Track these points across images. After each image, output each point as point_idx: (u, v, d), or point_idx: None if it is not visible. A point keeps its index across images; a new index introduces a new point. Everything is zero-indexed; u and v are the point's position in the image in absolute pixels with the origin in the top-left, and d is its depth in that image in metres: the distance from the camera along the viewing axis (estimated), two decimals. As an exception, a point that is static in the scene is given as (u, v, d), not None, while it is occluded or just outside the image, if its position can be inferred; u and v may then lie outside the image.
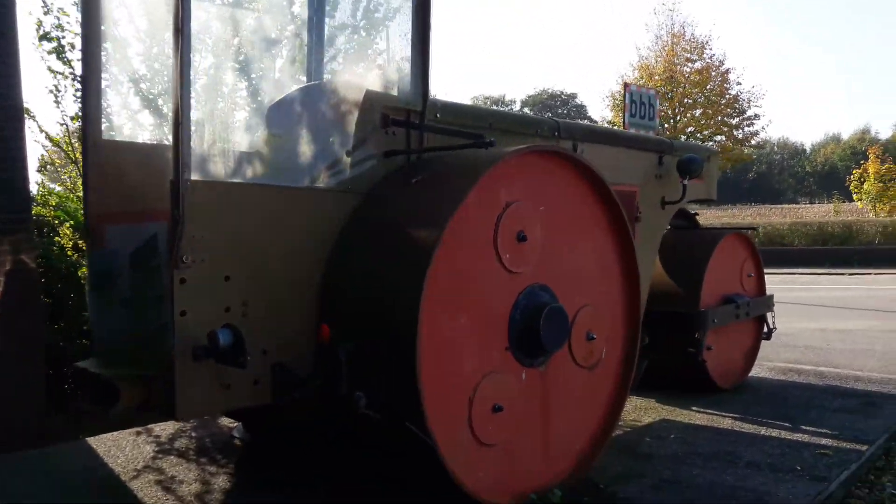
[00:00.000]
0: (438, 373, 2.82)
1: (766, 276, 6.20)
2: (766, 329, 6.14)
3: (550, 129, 4.25)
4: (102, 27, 3.33)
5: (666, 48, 29.54)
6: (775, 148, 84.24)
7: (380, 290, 2.86)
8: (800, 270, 17.19)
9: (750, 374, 6.13)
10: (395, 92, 3.35)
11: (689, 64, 29.23)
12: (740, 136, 29.98)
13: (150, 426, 4.65)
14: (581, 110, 58.36)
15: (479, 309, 3.02)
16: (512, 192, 3.14)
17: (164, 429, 4.63)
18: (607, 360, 3.71)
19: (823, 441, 4.31)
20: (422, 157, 3.37)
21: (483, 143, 3.14)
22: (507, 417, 3.12)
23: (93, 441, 4.42)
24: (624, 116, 5.59)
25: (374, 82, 3.34)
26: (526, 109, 59.96)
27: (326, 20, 3.65)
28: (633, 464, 3.89)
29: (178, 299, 2.63)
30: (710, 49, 29.85)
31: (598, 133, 4.77)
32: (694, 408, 5.09)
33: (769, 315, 6.13)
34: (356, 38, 3.62)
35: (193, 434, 4.54)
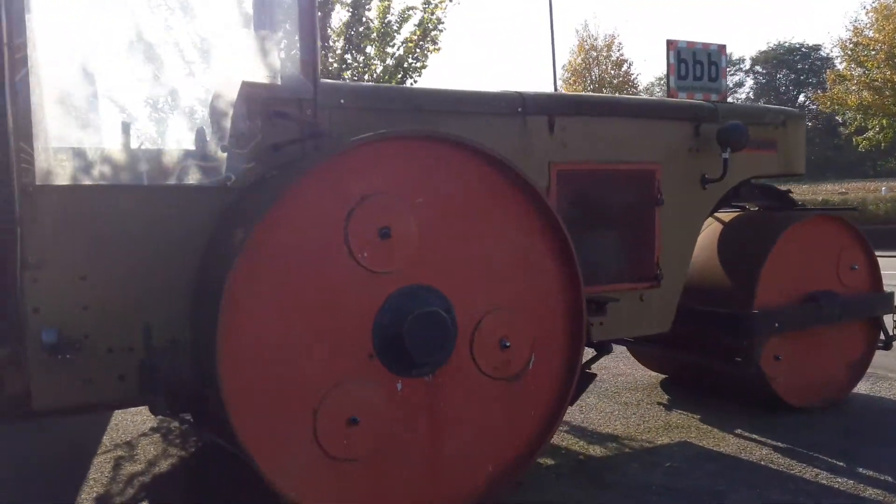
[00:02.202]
0: (259, 380, 2.63)
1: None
2: (882, 336, 4.90)
3: (510, 104, 3.73)
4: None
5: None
6: None
7: (202, 292, 2.75)
8: None
9: (868, 392, 4.97)
10: (278, 81, 3.18)
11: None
12: None
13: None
14: (827, 63, 50.58)
15: (326, 311, 2.76)
16: (370, 184, 2.81)
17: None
18: (539, 370, 3.21)
19: (868, 492, 3.33)
20: (318, 148, 3.17)
21: (312, 135, 2.84)
22: (369, 431, 2.83)
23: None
24: (668, 80, 4.74)
25: (255, 73, 3.20)
26: (757, 67, 53.69)
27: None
28: (579, 493, 3.35)
29: (28, 297, 2.75)
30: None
31: (590, 104, 4.09)
32: (739, 430, 4.23)
33: (890, 318, 4.89)
34: (240, 30, 3.47)
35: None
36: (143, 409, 4.81)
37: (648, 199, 4.17)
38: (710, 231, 4.90)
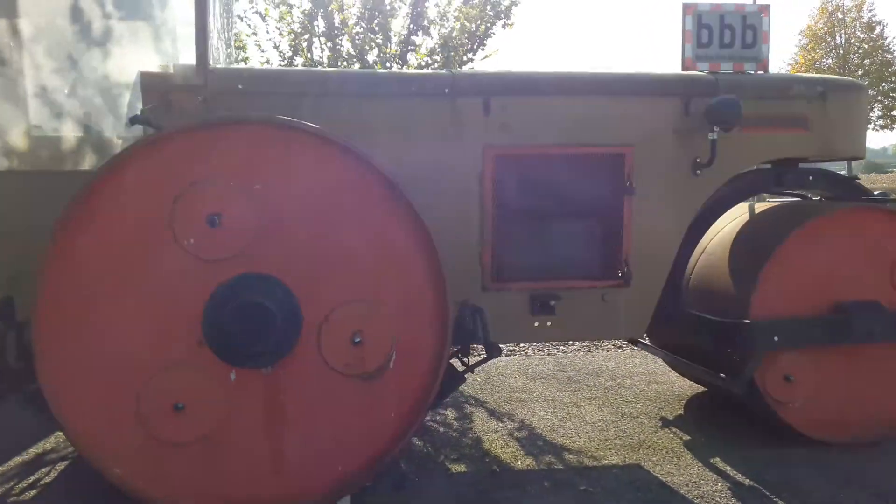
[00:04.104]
0: (77, 358, 2.76)
1: None
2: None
3: (436, 85, 3.48)
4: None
5: None
6: None
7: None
8: None
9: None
10: (171, 70, 3.28)
11: None
12: None
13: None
14: None
15: (151, 295, 2.82)
16: (202, 170, 2.81)
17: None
18: (401, 369, 3.00)
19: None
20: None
21: (133, 120, 2.86)
22: (196, 417, 2.86)
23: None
24: (683, 49, 4.03)
25: (152, 62, 3.33)
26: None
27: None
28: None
29: None
30: None
31: (537, 81, 3.62)
32: (716, 458, 3.59)
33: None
34: (134, 20, 3.58)
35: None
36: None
37: (615, 187, 3.67)
38: (733, 225, 4.17)
